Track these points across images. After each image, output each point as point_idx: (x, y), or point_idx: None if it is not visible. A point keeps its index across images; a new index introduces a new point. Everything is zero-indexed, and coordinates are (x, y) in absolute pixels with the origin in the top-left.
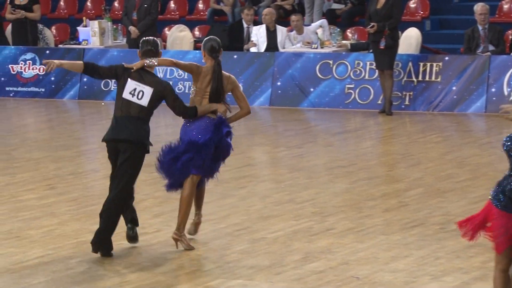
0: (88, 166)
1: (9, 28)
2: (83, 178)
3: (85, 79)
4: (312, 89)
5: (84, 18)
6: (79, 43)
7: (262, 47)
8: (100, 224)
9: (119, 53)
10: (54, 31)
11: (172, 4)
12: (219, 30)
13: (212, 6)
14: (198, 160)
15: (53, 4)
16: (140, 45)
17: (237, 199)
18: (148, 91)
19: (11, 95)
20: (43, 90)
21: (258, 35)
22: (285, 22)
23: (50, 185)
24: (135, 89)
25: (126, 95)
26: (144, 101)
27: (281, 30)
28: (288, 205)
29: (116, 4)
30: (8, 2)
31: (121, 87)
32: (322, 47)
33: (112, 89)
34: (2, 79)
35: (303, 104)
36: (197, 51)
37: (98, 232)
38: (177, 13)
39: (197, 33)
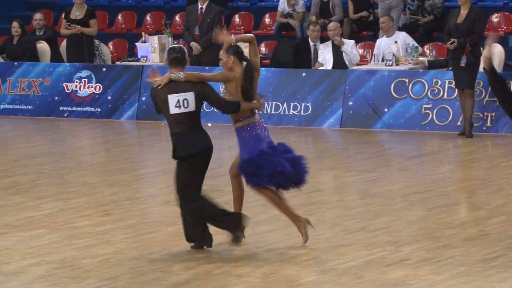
0: (146, 191)
1: (63, 44)
2: (141, 204)
3: (143, 98)
4: (386, 109)
5: (143, 33)
6: (138, 60)
7: (329, 64)
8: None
9: None
10: (112, 47)
11: (237, 18)
12: (286, 46)
13: (279, 21)
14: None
15: (111, 18)
16: (167, 52)
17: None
18: (190, 95)
19: (65, 115)
20: (99, 110)
21: (325, 52)
22: (358, 38)
23: (105, 211)
24: (178, 101)
25: (173, 110)
26: (192, 107)
27: (347, 45)
28: (359, 234)
29: (177, 18)
30: (63, 16)
31: (163, 104)
32: (397, 64)
33: None
34: (56, 98)
35: (377, 125)
36: (263, 69)
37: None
38: (242, 27)
39: (263, 49)
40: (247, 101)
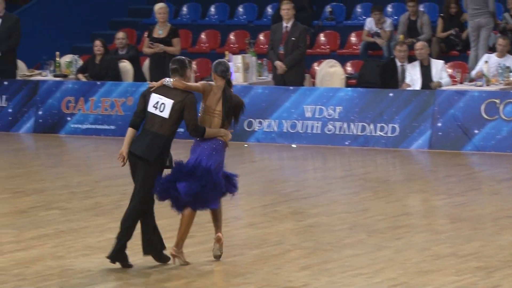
0: (230, 213)
1: (146, 63)
2: (224, 226)
3: None
4: (476, 131)
5: (226, 52)
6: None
7: (417, 85)
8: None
9: (264, 90)
10: (195, 66)
11: (322, 37)
12: (373, 65)
13: (365, 40)
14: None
15: (194, 37)
16: (170, 63)
17: (393, 251)
18: (169, 103)
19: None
20: (181, 130)
21: (412, 73)
22: (446, 57)
23: (191, 233)
24: (157, 102)
25: (150, 108)
26: (165, 113)
27: (436, 65)
28: (449, 259)
29: (261, 37)
30: (146, 35)
31: (147, 102)
32: (488, 85)
33: (256, 129)
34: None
35: (466, 147)
36: (349, 89)
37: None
38: (328, 47)
39: (349, 68)
40: (224, 118)
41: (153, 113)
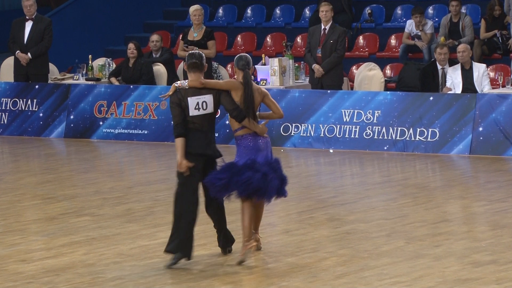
0: (265, 219)
1: (181, 67)
2: (259, 234)
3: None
4: None
5: (263, 55)
6: (257, 83)
7: (458, 88)
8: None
9: (300, 94)
10: (230, 69)
11: (361, 40)
12: (413, 68)
13: (405, 42)
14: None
15: (230, 40)
16: (186, 58)
17: (432, 259)
18: (209, 98)
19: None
20: (216, 134)
21: (453, 76)
22: (488, 60)
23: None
24: (197, 103)
25: (192, 112)
26: (210, 109)
27: (478, 68)
28: (490, 267)
29: (298, 39)
30: (180, 38)
31: (186, 109)
32: None
33: (292, 134)
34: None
35: (508, 152)
36: (388, 92)
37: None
38: (367, 49)
39: (388, 72)
40: (245, 109)
41: (198, 115)
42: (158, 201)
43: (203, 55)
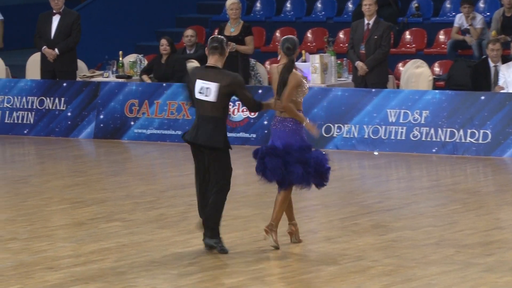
0: (305, 226)
1: None
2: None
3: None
4: None
5: (303, 51)
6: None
7: (511, 87)
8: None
9: (343, 92)
10: (268, 67)
11: (407, 35)
12: (463, 66)
13: (454, 38)
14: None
15: (268, 35)
16: (209, 41)
17: (483, 269)
18: (214, 87)
19: None
20: (254, 136)
21: (507, 74)
22: None
23: (260, 247)
24: (202, 87)
25: (197, 94)
26: (212, 97)
27: None
28: None
29: (341, 35)
30: (216, 33)
31: (193, 88)
32: None
33: (334, 135)
34: None
35: None
36: (437, 91)
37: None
38: (414, 45)
39: (436, 69)
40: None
41: (201, 100)
42: (192, 206)
43: (224, 39)
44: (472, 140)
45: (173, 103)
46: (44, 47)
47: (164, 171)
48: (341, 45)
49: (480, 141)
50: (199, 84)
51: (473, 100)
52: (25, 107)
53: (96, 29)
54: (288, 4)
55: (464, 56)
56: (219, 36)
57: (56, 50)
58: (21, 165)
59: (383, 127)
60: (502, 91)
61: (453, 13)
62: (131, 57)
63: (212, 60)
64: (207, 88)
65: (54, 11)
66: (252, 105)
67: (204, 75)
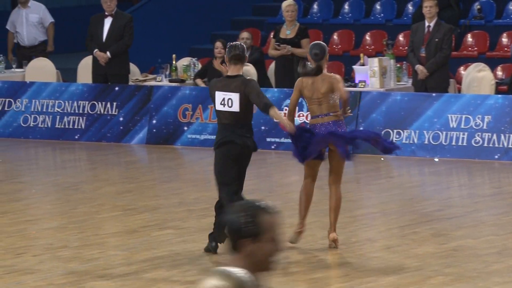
0: (363, 234)
1: (272, 67)
2: (357, 250)
3: (361, 129)
4: None
5: (361, 54)
6: (355, 85)
7: None
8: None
9: (402, 97)
10: (325, 70)
11: (469, 38)
12: None
13: None
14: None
15: (325, 38)
16: (227, 50)
17: None
18: (235, 97)
19: (273, 147)
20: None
21: None
22: None
23: (317, 256)
24: (223, 99)
25: (218, 107)
26: (235, 107)
27: None
28: None
29: (400, 38)
30: (272, 35)
31: (213, 100)
32: None
33: (393, 141)
34: (263, 128)
35: None
36: (499, 96)
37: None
38: (476, 49)
39: (499, 73)
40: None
41: (223, 110)
42: None
43: (245, 47)
44: None
45: None
46: (96, 50)
47: None
48: (400, 48)
49: None
50: (220, 96)
51: None
52: (76, 111)
53: (149, 32)
54: (346, 6)
55: None
56: (238, 43)
57: (108, 53)
58: (72, 171)
59: (444, 132)
60: None
61: None
62: (185, 61)
63: (234, 70)
64: (229, 99)
65: (106, 13)
66: (264, 107)
67: (225, 86)
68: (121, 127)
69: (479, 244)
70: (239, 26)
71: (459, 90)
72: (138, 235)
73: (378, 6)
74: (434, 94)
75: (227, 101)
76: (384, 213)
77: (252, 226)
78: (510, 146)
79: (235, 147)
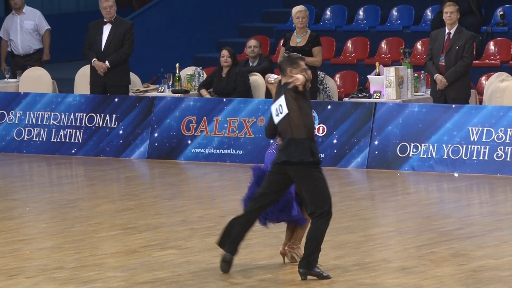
0: (378, 254)
1: None
2: (371, 271)
3: (375, 143)
4: None
5: (377, 63)
6: (370, 96)
7: None
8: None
9: (420, 108)
10: (338, 80)
11: (491, 46)
12: None
13: None
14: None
15: (338, 46)
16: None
17: None
18: (282, 100)
19: None
20: (322, 155)
21: None
22: None
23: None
24: (277, 109)
25: (276, 120)
26: (285, 109)
27: None
28: None
29: (418, 46)
30: (281, 43)
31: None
32: None
33: (410, 155)
34: (272, 141)
35: None
36: None
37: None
38: (498, 57)
39: None
40: None
41: (280, 120)
42: (254, 233)
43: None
44: None
45: (234, 120)
46: (94, 59)
47: (223, 194)
48: (418, 56)
49: None
50: (273, 108)
51: None
52: (73, 124)
53: (151, 40)
54: (360, 12)
55: None
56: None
57: (107, 62)
58: (69, 187)
59: (464, 146)
60: None
61: None
62: (189, 70)
63: (284, 79)
64: (280, 105)
65: (105, 20)
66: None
67: (277, 95)
68: (121, 141)
69: (501, 265)
70: (246, 33)
71: (481, 101)
72: (138, 256)
73: (394, 12)
74: (454, 106)
75: (279, 108)
76: (400, 232)
77: None
78: None
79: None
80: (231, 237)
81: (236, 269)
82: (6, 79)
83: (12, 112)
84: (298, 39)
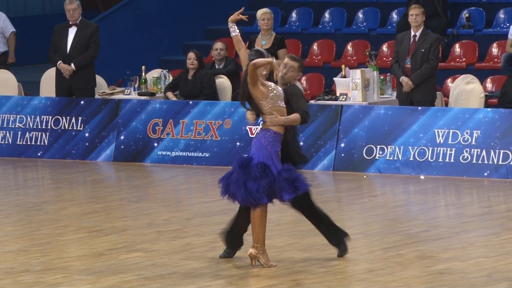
0: (344, 257)
1: None
2: (338, 273)
3: (342, 145)
4: None
5: (342, 66)
6: (336, 98)
7: None
8: None
9: (386, 111)
10: (305, 82)
11: (457, 49)
12: None
13: (508, 51)
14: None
15: (304, 48)
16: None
17: None
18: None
19: None
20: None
21: None
22: None
23: (295, 280)
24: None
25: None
26: None
27: None
28: None
29: (384, 48)
30: (246, 46)
31: None
32: None
33: (377, 157)
34: (238, 143)
35: None
36: (489, 109)
37: None
38: (464, 59)
39: (488, 85)
40: None
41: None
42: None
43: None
44: None
45: (201, 122)
46: (60, 62)
47: (190, 197)
48: (384, 59)
49: None
50: None
51: None
52: (39, 127)
53: (117, 42)
54: (326, 15)
55: None
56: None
57: (73, 65)
58: (35, 190)
59: (430, 148)
60: None
61: (507, 24)
62: (155, 73)
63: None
64: None
65: (70, 23)
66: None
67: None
68: (87, 144)
69: (468, 267)
70: (213, 35)
71: (447, 104)
72: (104, 259)
73: (360, 15)
74: (420, 108)
75: None
76: (367, 234)
77: None
78: (500, 162)
79: None
80: (232, 241)
81: (203, 272)
82: None
83: None
84: (263, 42)
